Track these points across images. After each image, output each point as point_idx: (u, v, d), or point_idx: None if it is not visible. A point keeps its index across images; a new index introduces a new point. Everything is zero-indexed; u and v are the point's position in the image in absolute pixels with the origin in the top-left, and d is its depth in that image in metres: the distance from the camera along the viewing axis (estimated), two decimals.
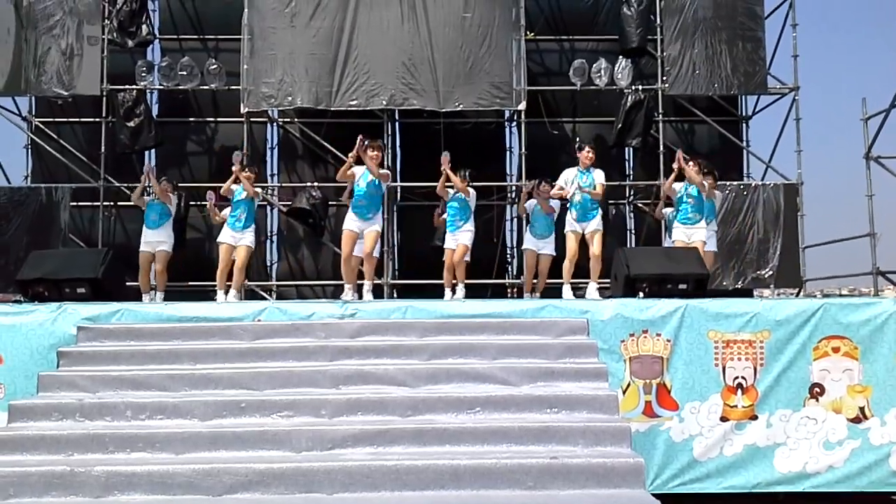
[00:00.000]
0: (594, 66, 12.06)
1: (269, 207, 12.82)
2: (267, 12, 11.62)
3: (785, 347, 6.95)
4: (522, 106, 11.73)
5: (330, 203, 11.82)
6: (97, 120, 12.13)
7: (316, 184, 11.99)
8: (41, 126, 12.61)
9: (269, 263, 13.20)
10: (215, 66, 12.07)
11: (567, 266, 9.16)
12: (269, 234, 13.22)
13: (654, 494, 4.92)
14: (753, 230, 11.90)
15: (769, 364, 6.94)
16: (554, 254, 9.59)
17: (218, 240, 9.70)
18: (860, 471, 6.88)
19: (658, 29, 12.13)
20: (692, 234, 9.20)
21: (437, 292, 9.62)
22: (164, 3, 13.18)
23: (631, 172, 13.31)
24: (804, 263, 12.15)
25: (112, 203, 12.36)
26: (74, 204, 12.09)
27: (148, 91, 12.16)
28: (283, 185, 12.80)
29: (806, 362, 6.95)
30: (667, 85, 12.01)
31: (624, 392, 6.83)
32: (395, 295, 11.76)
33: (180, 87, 12.14)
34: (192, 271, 11.42)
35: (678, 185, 9.35)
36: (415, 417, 5.62)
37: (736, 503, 6.93)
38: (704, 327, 6.95)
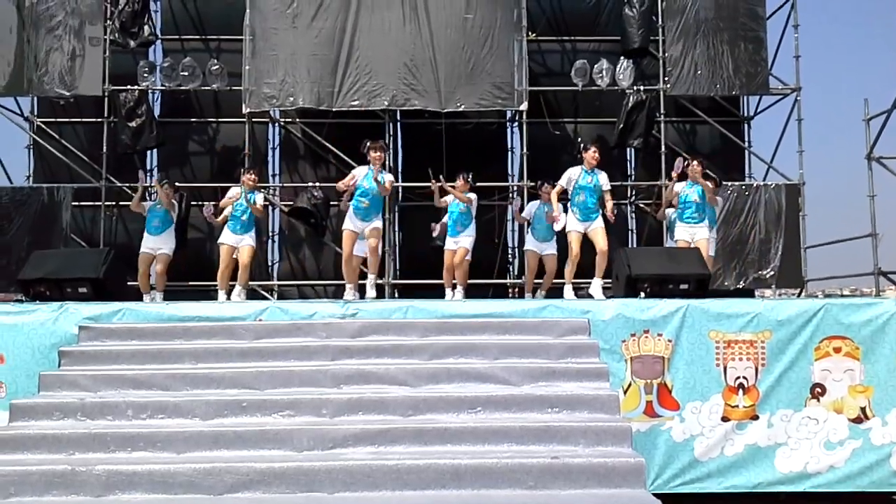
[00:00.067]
0: (596, 66, 12.07)
1: (270, 207, 12.83)
2: (269, 13, 11.63)
3: (786, 347, 6.95)
4: (524, 106, 11.73)
5: (331, 203, 11.83)
6: (99, 120, 12.15)
7: (317, 184, 12.00)
8: (43, 126, 12.64)
9: (270, 263, 13.21)
10: (217, 66, 12.08)
11: (569, 266, 9.15)
12: (270, 233, 13.23)
13: (655, 494, 4.92)
14: (755, 230, 11.89)
15: (770, 364, 6.93)
16: (556, 254, 9.59)
17: (219, 241, 9.71)
18: (861, 471, 6.88)
19: (660, 29, 12.13)
20: (695, 233, 9.21)
21: (438, 292, 9.62)
22: (165, 4, 13.20)
23: (632, 173, 13.32)
24: (806, 263, 12.15)
25: (114, 203, 12.36)
26: (76, 204, 12.10)
27: (150, 91, 12.16)
28: (285, 185, 12.81)
29: (807, 362, 6.95)
30: (668, 85, 12.01)
31: (625, 392, 6.83)
32: (396, 295, 11.77)
33: (182, 88, 12.16)
34: (192, 271, 11.44)
35: (680, 186, 9.35)
36: (416, 417, 5.62)
37: (737, 503, 6.93)
38: (706, 327, 6.95)
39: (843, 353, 6.97)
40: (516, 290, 12.32)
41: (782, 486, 6.87)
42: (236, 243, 9.49)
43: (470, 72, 11.54)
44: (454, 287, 9.50)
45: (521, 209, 10.31)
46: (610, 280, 9.04)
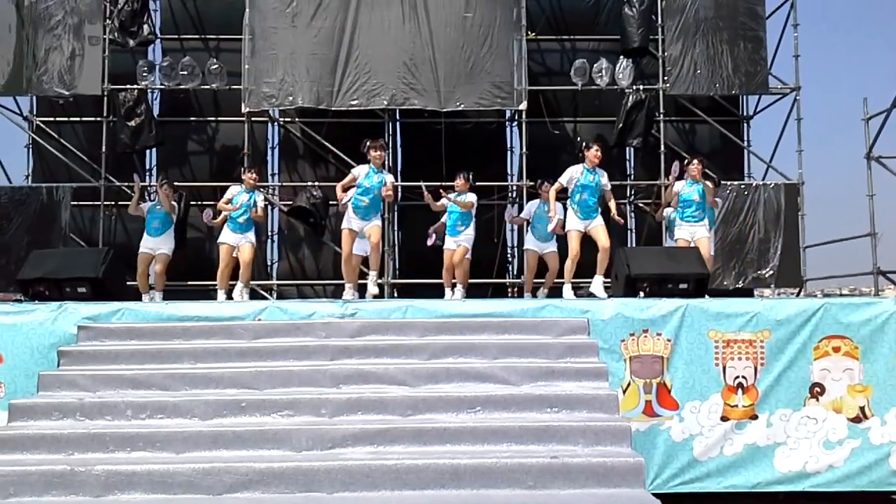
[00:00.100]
0: (595, 65, 12.06)
1: (269, 207, 12.83)
2: (268, 12, 11.62)
3: (785, 347, 6.95)
4: (523, 106, 11.73)
5: (330, 203, 11.81)
6: (98, 119, 12.14)
7: (317, 183, 12.00)
8: (42, 125, 12.63)
9: (269, 263, 13.21)
10: (216, 65, 12.07)
11: (569, 265, 9.11)
12: (269, 233, 13.23)
13: (654, 494, 4.92)
14: (754, 230, 11.90)
15: (770, 364, 6.94)
16: (557, 251, 9.57)
17: (219, 240, 9.71)
18: (860, 470, 6.88)
19: (659, 29, 12.13)
20: (695, 232, 9.20)
21: (437, 292, 9.62)
22: (165, 3, 13.19)
23: (632, 172, 13.31)
24: (805, 263, 12.15)
25: (113, 202, 12.35)
26: (75, 203, 12.10)
27: (149, 91, 12.16)
28: (284, 184, 12.81)
29: (806, 362, 6.95)
30: (668, 85, 12.01)
31: (624, 391, 6.83)
32: (395, 294, 11.77)
33: (181, 87, 12.15)
34: (192, 271, 11.44)
35: (680, 185, 9.32)
36: (415, 417, 5.62)
37: (736, 503, 6.94)
38: (705, 327, 6.95)
39: (842, 352, 6.97)
40: (515, 289, 12.32)
41: (781, 485, 6.88)
42: (236, 242, 9.49)
43: (469, 71, 11.53)
44: (454, 287, 9.49)
45: (521, 209, 10.29)
46: (607, 281, 9.04)
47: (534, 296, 9.60)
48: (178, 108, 12.92)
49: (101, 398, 5.87)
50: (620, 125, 11.90)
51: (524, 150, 12.03)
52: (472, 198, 9.51)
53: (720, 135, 12.75)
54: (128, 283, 9.44)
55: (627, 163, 13.41)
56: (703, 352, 6.93)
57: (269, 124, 13.08)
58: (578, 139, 12.01)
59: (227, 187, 9.93)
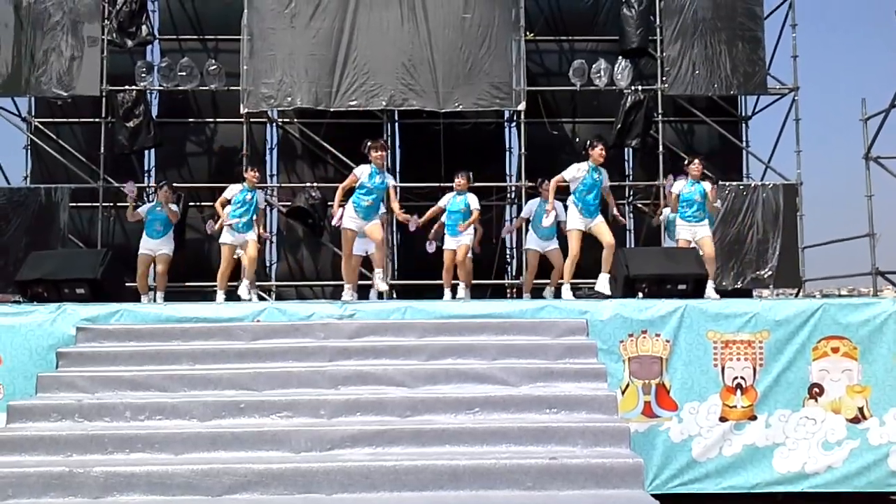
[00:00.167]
0: (594, 66, 12.07)
1: (268, 208, 12.83)
2: (266, 13, 11.62)
3: (784, 348, 6.94)
4: (522, 106, 11.74)
5: (329, 203, 11.81)
6: (96, 120, 12.14)
7: (315, 184, 12.01)
8: (40, 126, 12.63)
9: (268, 264, 13.20)
10: (215, 66, 12.07)
11: (568, 265, 9.06)
12: (268, 233, 13.22)
13: (653, 495, 4.92)
14: (753, 230, 11.91)
15: (768, 364, 6.93)
16: (559, 248, 9.53)
17: (220, 240, 9.69)
18: (859, 471, 6.87)
19: (658, 29, 12.14)
20: (697, 232, 9.17)
21: (436, 293, 9.61)
22: (163, 4, 13.20)
23: (630, 173, 13.32)
24: (803, 264, 12.16)
25: (111, 204, 12.36)
26: (74, 204, 12.10)
27: (147, 91, 12.15)
28: (283, 185, 12.81)
29: (805, 362, 6.95)
30: (666, 85, 12.01)
31: (623, 392, 6.83)
32: (394, 295, 11.77)
33: (180, 88, 12.14)
34: (191, 272, 11.44)
35: (680, 185, 9.28)
36: (414, 418, 5.62)
37: (735, 503, 6.93)
38: (703, 327, 6.95)
39: (840, 353, 6.97)
40: (514, 290, 12.32)
41: (780, 486, 6.87)
42: (238, 242, 9.47)
43: (468, 72, 11.54)
44: (454, 288, 9.47)
45: (520, 210, 10.24)
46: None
47: (538, 296, 9.56)
48: (177, 109, 12.92)
49: (99, 399, 5.87)
50: (619, 126, 11.91)
51: (523, 150, 12.03)
52: (474, 203, 9.44)
53: (719, 135, 12.77)
54: (126, 284, 9.44)
55: (626, 163, 13.42)
56: (701, 352, 6.93)
57: (268, 125, 13.08)
58: (577, 140, 12.02)
59: (226, 189, 9.91)
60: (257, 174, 9.66)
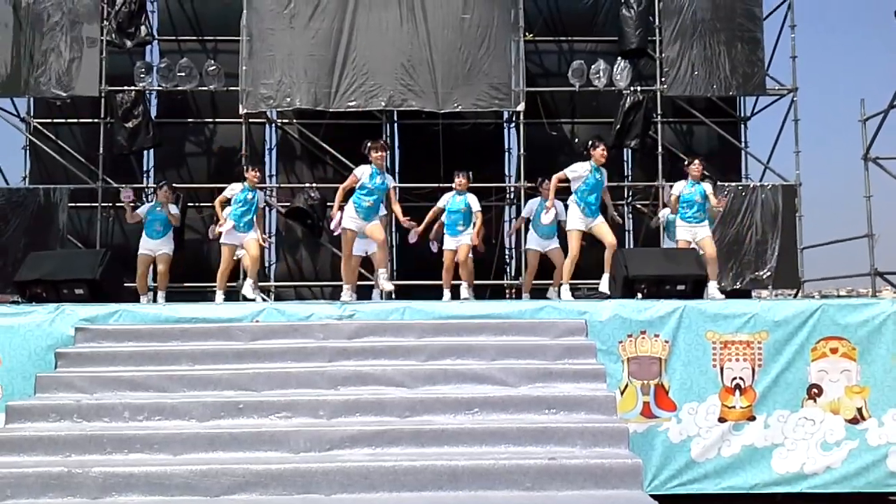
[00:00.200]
0: (593, 67, 12.08)
1: (267, 208, 12.82)
2: (266, 14, 11.63)
3: (783, 348, 6.94)
4: (521, 107, 11.74)
5: (328, 204, 11.81)
6: (95, 121, 12.15)
7: (314, 185, 12.01)
8: (39, 127, 12.63)
9: (267, 264, 13.19)
10: (214, 67, 12.07)
11: (568, 265, 9.05)
12: (267, 234, 13.21)
13: (651, 495, 4.93)
14: (752, 231, 11.92)
15: (767, 365, 6.93)
16: (560, 247, 9.52)
17: (221, 241, 9.67)
18: (858, 471, 6.87)
19: (657, 30, 12.15)
20: (697, 233, 9.17)
21: (436, 293, 9.61)
22: (162, 4, 13.20)
23: (629, 173, 13.33)
24: (802, 264, 12.17)
25: (110, 204, 12.35)
26: (72, 205, 12.10)
27: (146, 92, 12.16)
28: (282, 185, 12.81)
29: (804, 363, 6.94)
30: (665, 86, 12.02)
31: (622, 393, 6.83)
32: (393, 296, 11.75)
33: (179, 89, 12.15)
34: (190, 272, 11.43)
35: (680, 187, 9.28)
36: (413, 418, 5.62)
37: None
38: (702, 328, 6.95)
39: (839, 353, 6.96)
40: (513, 290, 12.32)
41: (779, 486, 6.87)
42: (239, 242, 9.45)
43: (467, 72, 11.54)
44: (454, 287, 9.46)
45: (519, 211, 10.24)
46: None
47: (538, 296, 9.54)
48: (176, 110, 12.93)
49: (98, 400, 5.86)
50: (618, 126, 11.92)
51: (522, 151, 12.04)
52: (475, 205, 9.43)
53: (718, 136, 12.78)
54: (125, 284, 9.43)
55: (625, 164, 13.43)
56: (700, 353, 6.93)
57: (267, 126, 13.08)
58: (576, 141, 12.01)
59: (225, 189, 9.89)
60: (258, 174, 9.66)
